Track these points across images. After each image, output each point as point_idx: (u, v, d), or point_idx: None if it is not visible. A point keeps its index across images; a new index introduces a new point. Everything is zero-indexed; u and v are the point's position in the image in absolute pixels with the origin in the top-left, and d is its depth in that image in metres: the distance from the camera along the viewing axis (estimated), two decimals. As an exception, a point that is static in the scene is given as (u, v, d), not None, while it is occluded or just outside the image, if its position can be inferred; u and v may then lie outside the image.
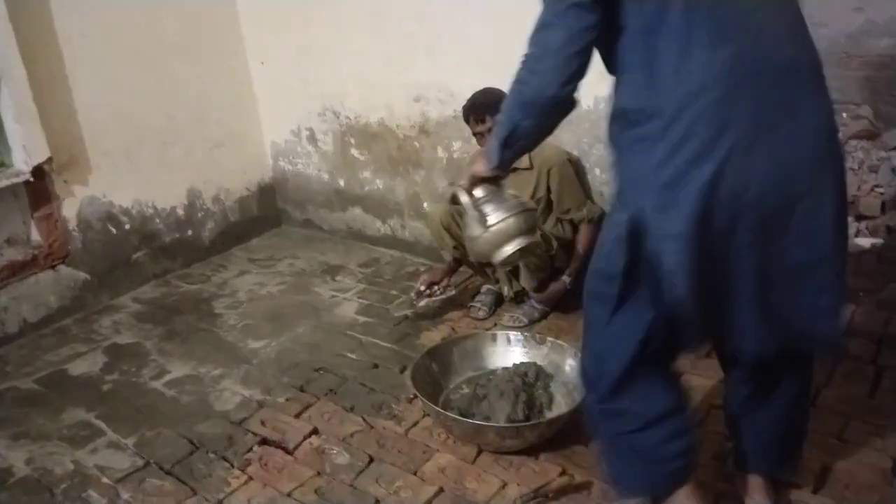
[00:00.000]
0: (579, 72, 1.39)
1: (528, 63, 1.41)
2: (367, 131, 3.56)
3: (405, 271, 3.41)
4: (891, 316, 2.60)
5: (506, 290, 2.88)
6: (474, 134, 2.71)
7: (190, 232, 3.69)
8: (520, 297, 2.88)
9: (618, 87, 1.43)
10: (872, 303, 2.72)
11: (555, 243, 2.74)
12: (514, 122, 1.46)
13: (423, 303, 2.89)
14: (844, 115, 3.76)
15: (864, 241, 3.14)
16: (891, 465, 1.90)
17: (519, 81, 1.43)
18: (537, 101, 1.42)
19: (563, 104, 1.44)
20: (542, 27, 1.38)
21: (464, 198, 1.74)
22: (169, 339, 2.93)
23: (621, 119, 1.42)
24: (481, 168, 1.65)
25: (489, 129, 2.60)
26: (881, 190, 3.39)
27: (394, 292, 3.17)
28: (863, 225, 3.28)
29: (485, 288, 3.00)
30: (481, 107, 2.63)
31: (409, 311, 2.90)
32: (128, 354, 2.84)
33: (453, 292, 2.96)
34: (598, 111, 2.66)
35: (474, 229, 1.76)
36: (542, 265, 2.72)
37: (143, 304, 3.30)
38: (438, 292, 2.91)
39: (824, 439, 2.01)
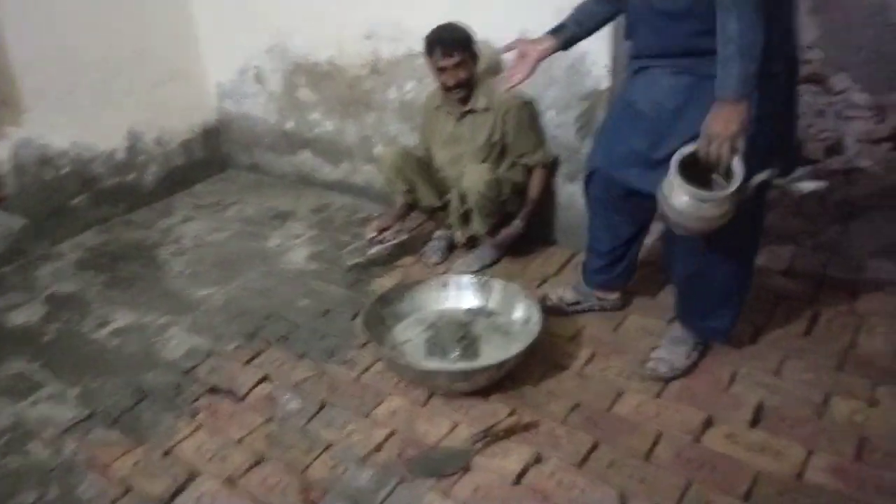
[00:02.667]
0: None
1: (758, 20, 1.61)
2: (316, 70, 3.44)
3: (357, 217, 3.36)
4: (829, 258, 2.68)
5: (458, 235, 2.87)
6: (438, 69, 2.62)
7: (132, 176, 3.56)
8: (472, 242, 2.88)
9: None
10: (812, 245, 2.79)
11: (508, 188, 2.72)
12: (756, 59, 1.63)
13: (374, 249, 2.86)
14: (794, 58, 3.78)
15: (808, 185, 3.20)
16: (822, 398, 1.99)
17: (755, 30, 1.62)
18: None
19: None
20: None
21: (738, 166, 1.70)
22: (112, 288, 2.85)
23: None
24: (744, 118, 1.67)
25: (455, 64, 2.56)
26: (826, 134, 3.45)
27: (345, 238, 3.13)
28: (808, 169, 3.34)
29: (437, 233, 2.98)
30: (450, 41, 2.56)
31: (360, 259, 2.87)
32: (69, 303, 2.76)
33: (405, 237, 2.94)
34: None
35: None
36: (494, 210, 2.71)
37: (84, 251, 3.19)
38: (390, 238, 2.88)
39: (762, 376, 2.09)
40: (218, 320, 2.58)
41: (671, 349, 2.15)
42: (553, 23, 2.12)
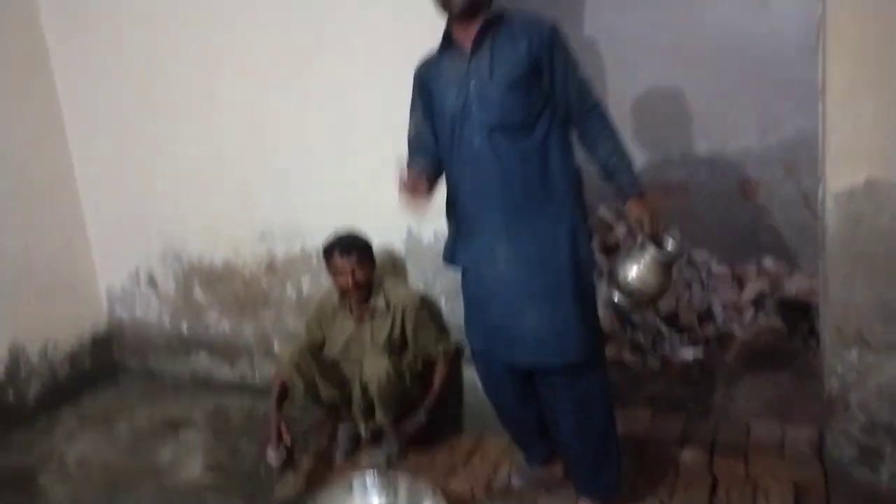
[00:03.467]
0: None
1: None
2: (211, 272, 3.48)
3: (256, 418, 3.25)
4: (718, 423, 2.82)
5: (362, 429, 2.83)
6: (336, 272, 2.69)
7: (11, 393, 3.34)
8: (377, 435, 2.84)
9: None
10: (701, 412, 2.94)
11: (408, 378, 2.76)
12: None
13: (273, 458, 2.70)
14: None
15: (688, 352, 3.43)
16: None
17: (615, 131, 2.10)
18: None
19: None
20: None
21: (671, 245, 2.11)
22: (-18, 525, 2.58)
23: None
24: (652, 202, 2.09)
25: (353, 266, 2.64)
26: (696, 304, 3.75)
27: (243, 444, 3.02)
28: (684, 337, 3.59)
29: (341, 426, 2.93)
30: (350, 243, 2.67)
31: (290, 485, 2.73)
32: (-72, 549, 2.46)
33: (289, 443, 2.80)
34: (437, 245, 2.76)
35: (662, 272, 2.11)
36: (397, 401, 2.72)
37: (-50, 482, 2.90)
38: (287, 445, 2.74)
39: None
40: (104, 552, 2.36)
41: None
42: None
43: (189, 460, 2.95)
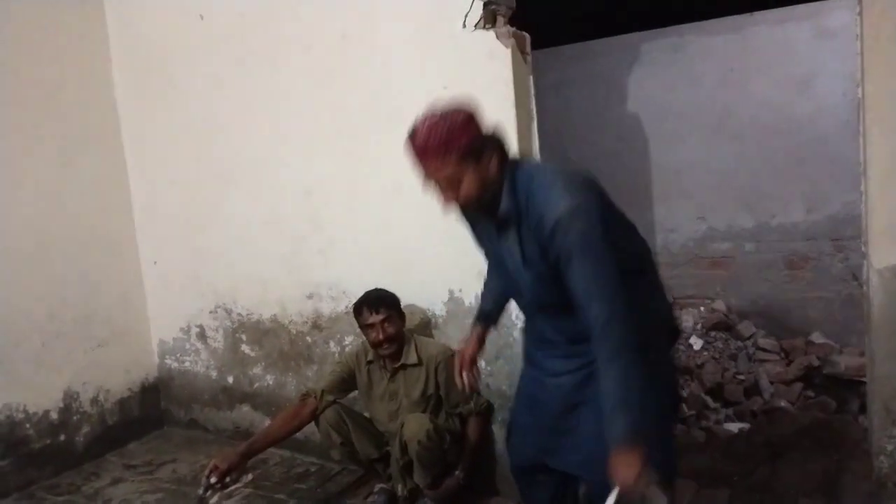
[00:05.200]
0: None
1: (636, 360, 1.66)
2: (259, 328, 3.59)
3: (294, 472, 3.29)
4: (763, 497, 2.74)
5: (399, 489, 2.83)
6: (365, 326, 2.78)
7: (62, 437, 3.46)
8: (414, 495, 2.83)
9: None
10: (746, 486, 2.86)
11: (447, 437, 2.77)
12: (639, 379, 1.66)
13: (214, 499, 2.61)
14: (702, 308, 4.18)
15: (733, 426, 3.36)
16: None
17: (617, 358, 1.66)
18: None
19: None
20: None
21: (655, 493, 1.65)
22: (26, 564, 2.65)
23: None
24: (635, 465, 1.61)
25: (383, 320, 2.71)
26: (741, 377, 3.69)
27: (281, 496, 3.04)
28: (730, 410, 3.52)
29: (377, 487, 2.94)
30: (376, 299, 2.75)
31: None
32: (-25, 585, 2.53)
33: (249, 477, 2.80)
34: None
35: None
36: (435, 460, 2.72)
37: (-1, 521, 2.99)
38: (231, 481, 2.64)
39: None
40: None
41: None
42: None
43: (228, 509, 2.98)
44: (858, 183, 2.31)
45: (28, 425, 3.31)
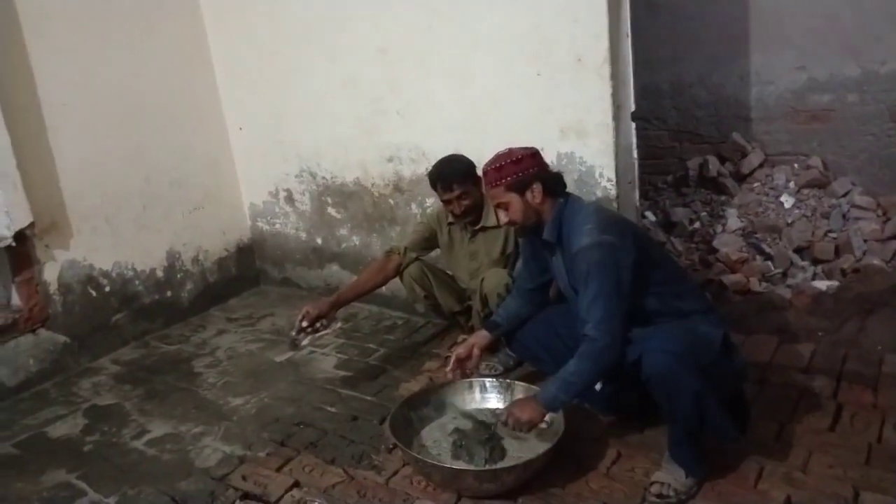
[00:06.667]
0: None
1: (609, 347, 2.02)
2: (343, 190, 3.68)
3: (382, 325, 3.48)
4: (848, 352, 2.72)
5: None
6: (442, 200, 2.83)
7: (169, 293, 3.74)
8: (495, 346, 2.95)
9: None
10: (831, 342, 2.84)
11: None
12: (589, 383, 2.11)
13: (306, 341, 2.75)
14: (796, 165, 3.98)
15: (821, 284, 3.28)
16: (852, 493, 1.99)
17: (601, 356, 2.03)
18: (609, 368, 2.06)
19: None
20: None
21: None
22: (149, 399, 2.95)
23: None
24: (537, 417, 2.12)
25: (458, 196, 2.74)
26: (833, 235, 3.56)
27: (371, 345, 3.24)
28: (819, 268, 3.43)
29: (461, 338, 3.07)
30: (448, 176, 2.76)
31: (293, 352, 2.92)
32: (108, 415, 2.85)
33: (338, 325, 2.92)
34: (560, 164, 2.80)
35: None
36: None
37: (122, 365, 3.32)
38: (322, 326, 2.75)
39: (789, 471, 2.10)
40: (250, 429, 2.65)
41: (671, 470, 2.07)
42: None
43: (323, 357, 3.21)
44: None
45: (137, 282, 3.59)
